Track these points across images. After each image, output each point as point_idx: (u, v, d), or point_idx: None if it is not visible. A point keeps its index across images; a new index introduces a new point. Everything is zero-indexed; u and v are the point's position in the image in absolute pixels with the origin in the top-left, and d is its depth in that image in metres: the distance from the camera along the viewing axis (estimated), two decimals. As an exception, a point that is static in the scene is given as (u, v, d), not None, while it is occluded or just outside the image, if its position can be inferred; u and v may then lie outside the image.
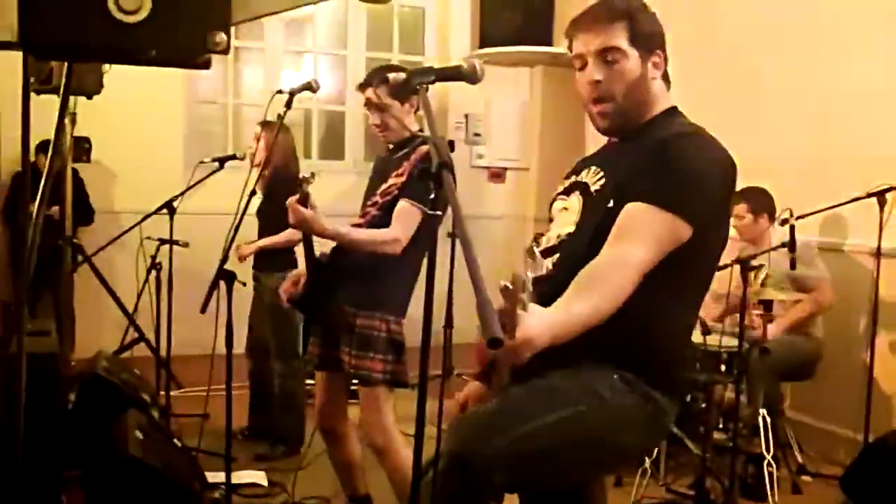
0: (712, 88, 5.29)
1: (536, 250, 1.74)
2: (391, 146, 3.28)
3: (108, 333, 5.78)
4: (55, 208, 5.65)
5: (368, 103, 3.22)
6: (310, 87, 3.37)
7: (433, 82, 2.05)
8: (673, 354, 2.09)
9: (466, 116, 7.78)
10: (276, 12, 1.16)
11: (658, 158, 1.96)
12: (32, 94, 3.21)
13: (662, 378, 2.03)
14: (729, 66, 5.59)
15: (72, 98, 3.85)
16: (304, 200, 3.02)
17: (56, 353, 3.10)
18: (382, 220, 3.15)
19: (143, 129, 6.71)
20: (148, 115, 6.70)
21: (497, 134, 7.89)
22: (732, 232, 4.78)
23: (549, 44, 6.90)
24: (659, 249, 1.89)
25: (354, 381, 3.25)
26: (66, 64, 1.16)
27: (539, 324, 1.60)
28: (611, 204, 1.99)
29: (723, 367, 4.06)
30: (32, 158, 6.16)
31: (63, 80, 1.10)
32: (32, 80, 3.25)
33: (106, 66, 3.67)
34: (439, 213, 1.83)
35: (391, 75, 2.26)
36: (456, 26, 7.70)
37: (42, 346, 3.03)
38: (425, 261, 2.00)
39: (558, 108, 7.53)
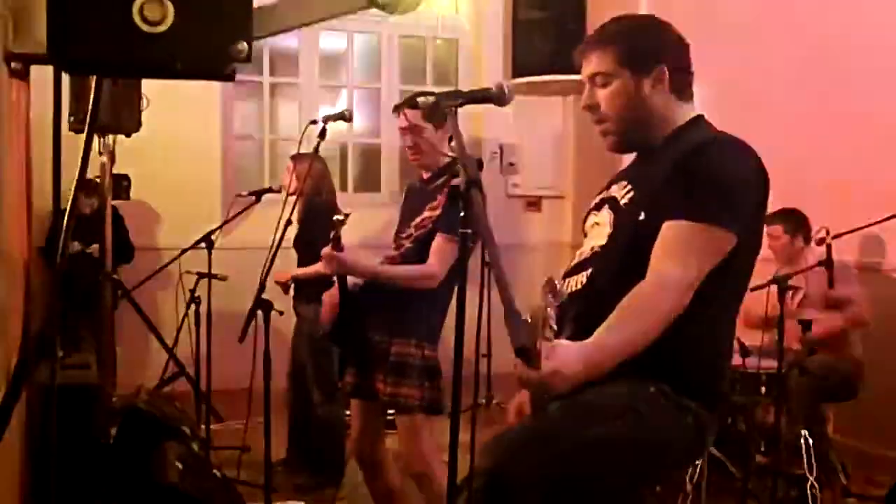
0: (745, 110, 5.26)
1: (557, 284, 1.74)
2: (425, 175, 3.30)
3: (150, 368, 5.84)
4: (95, 246, 5.76)
5: (402, 127, 3.25)
6: (343, 116, 3.40)
7: (462, 105, 2.06)
8: (712, 366, 2.07)
9: (501, 147, 7.80)
10: (296, 27, 1.18)
11: (687, 170, 1.96)
12: (70, 134, 3.27)
13: (702, 391, 2.01)
14: (763, 89, 5.57)
15: (110, 136, 3.91)
16: (338, 242, 3.05)
17: (95, 384, 3.14)
18: (417, 253, 3.16)
19: (182, 166, 6.80)
20: (186, 151, 6.79)
21: (532, 163, 7.90)
22: (768, 253, 4.74)
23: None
24: (705, 265, 1.89)
25: (391, 412, 3.25)
26: (92, 88, 1.18)
27: (566, 357, 1.60)
28: (642, 216, 1.99)
29: (762, 389, 4.01)
30: (72, 196, 6.27)
31: (91, 100, 1.12)
32: (71, 118, 3.31)
33: (144, 104, 3.74)
34: (469, 230, 1.83)
35: (420, 99, 2.28)
36: (489, 57, 7.74)
37: (82, 378, 3.07)
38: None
39: (592, 135, 7.51)
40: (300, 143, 3.84)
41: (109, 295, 4.59)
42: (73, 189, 1.11)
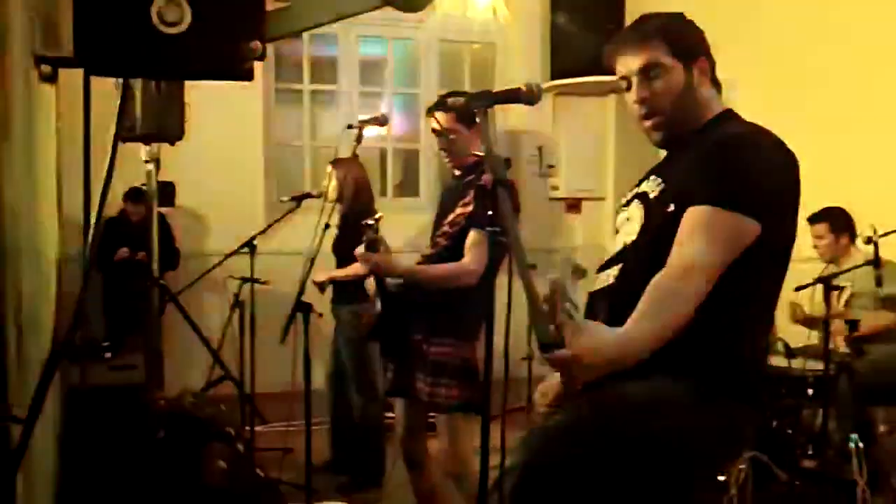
0: (789, 108, 5.21)
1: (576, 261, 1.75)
2: (457, 172, 3.32)
3: (195, 371, 5.92)
4: (142, 253, 5.87)
5: (434, 129, 3.28)
6: (378, 120, 3.44)
7: (492, 105, 2.08)
8: (742, 362, 2.05)
9: (540, 149, 7.80)
10: (310, 28, 1.21)
11: (716, 159, 1.97)
12: (126, 144, 3.35)
13: (733, 387, 2.00)
14: (806, 86, 5.52)
15: (155, 144, 3.99)
16: (373, 244, 3.08)
17: (141, 385, 3.20)
18: (451, 251, 3.18)
19: (225, 173, 6.90)
20: (228, 158, 6.89)
21: (571, 165, 7.88)
22: (813, 253, 4.69)
23: (621, 73, 6.89)
24: (727, 251, 1.88)
25: (431, 414, 3.28)
26: (120, 94, 1.22)
27: (596, 343, 1.60)
28: (671, 208, 1.99)
29: (809, 391, 3.96)
30: (121, 206, 6.40)
31: (118, 103, 1.16)
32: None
33: (188, 113, 3.81)
34: (497, 229, 1.85)
35: (450, 100, 2.30)
36: (527, 60, 7.75)
37: (128, 379, 3.13)
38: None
39: (632, 135, 7.50)
40: (338, 148, 3.89)
41: (156, 300, 4.68)
42: (100, 196, 1.15)
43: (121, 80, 1.35)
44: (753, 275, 1.95)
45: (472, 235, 3.12)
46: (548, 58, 7.52)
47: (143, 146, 3.81)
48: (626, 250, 2.10)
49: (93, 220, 1.14)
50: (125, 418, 2.89)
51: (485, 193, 1.81)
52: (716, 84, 2.17)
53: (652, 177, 2.17)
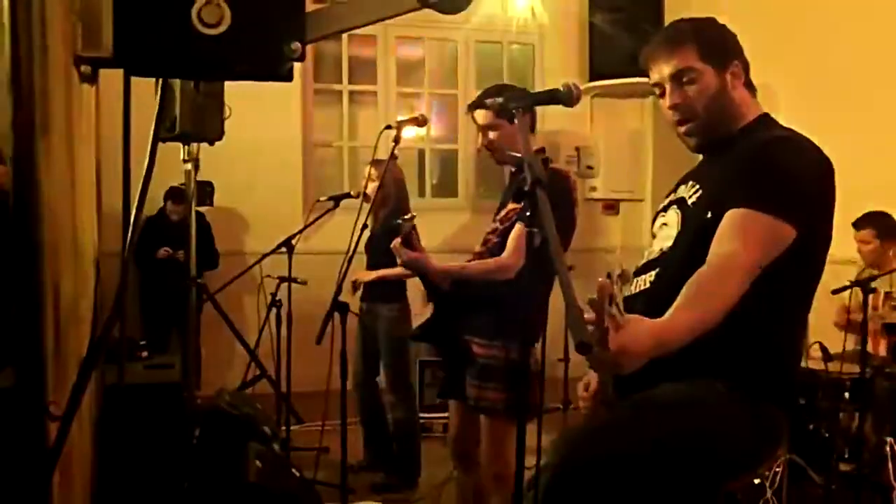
0: (833, 113, 5.16)
1: (627, 270, 1.74)
2: (512, 169, 3.31)
3: (232, 370, 5.98)
4: (181, 252, 5.93)
5: (478, 125, 3.27)
6: (416, 120, 3.45)
7: (529, 106, 2.08)
8: (778, 364, 2.05)
9: (578, 150, 7.76)
10: (348, 30, 1.21)
11: (753, 163, 1.97)
12: (164, 144, 3.38)
13: (769, 389, 1.99)
14: (847, 90, 5.45)
15: (194, 144, 4.02)
16: (408, 240, 3.07)
17: (178, 384, 3.23)
18: (501, 247, 3.18)
19: (263, 173, 6.95)
20: (267, 158, 6.94)
21: (610, 166, 7.84)
22: (856, 256, 4.62)
23: (660, 74, 6.85)
24: (763, 252, 1.88)
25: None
26: (159, 94, 1.23)
27: (636, 333, 1.59)
28: (708, 215, 1.99)
29: (846, 395, 3.91)
30: (160, 205, 6.47)
31: (158, 104, 1.17)
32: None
33: (227, 112, 3.84)
34: (535, 230, 1.84)
35: (489, 101, 2.30)
36: (565, 61, 7.73)
37: (165, 377, 3.16)
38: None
39: (671, 137, 7.44)
40: (376, 148, 3.89)
41: (194, 299, 4.72)
42: (139, 194, 1.16)
43: (160, 81, 1.36)
44: (789, 278, 1.95)
45: (516, 229, 3.11)
46: (586, 59, 7.49)
47: (182, 146, 3.86)
48: (663, 256, 2.09)
49: (131, 218, 1.15)
50: (162, 417, 2.92)
51: (523, 194, 1.79)
52: (750, 87, 2.16)
53: (689, 182, 2.17)
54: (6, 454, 1.06)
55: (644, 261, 2.15)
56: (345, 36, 7.40)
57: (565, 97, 2.12)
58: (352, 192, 5.13)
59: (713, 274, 1.84)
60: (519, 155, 3.20)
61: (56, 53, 1.02)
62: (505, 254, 3.12)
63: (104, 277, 1.13)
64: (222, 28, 1.02)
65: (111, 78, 1.17)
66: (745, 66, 2.14)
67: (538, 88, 7.98)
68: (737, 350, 1.90)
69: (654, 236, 2.21)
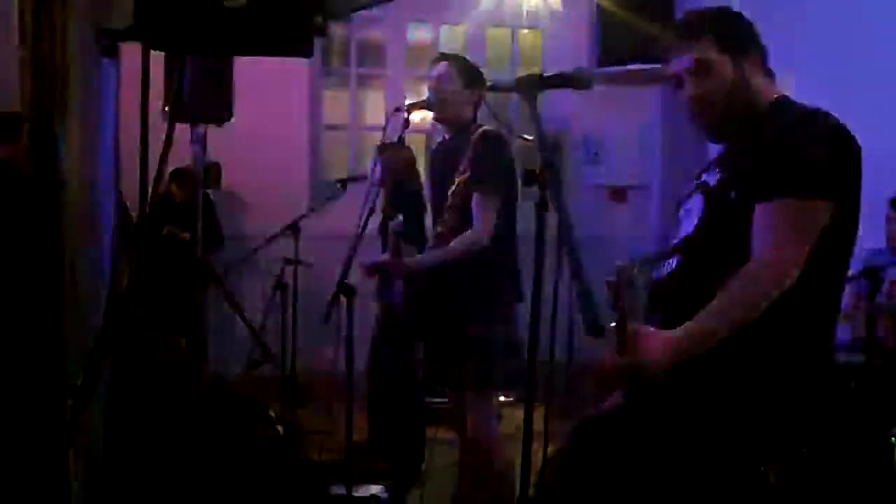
0: (848, 97, 5.13)
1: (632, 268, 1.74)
2: (447, 136, 3.47)
3: (237, 352, 5.98)
4: (186, 233, 5.92)
5: (430, 77, 3.46)
6: (426, 104, 3.43)
7: (541, 89, 2.07)
8: (815, 353, 2.02)
9: (586, 136, 7.75)
10: (371, 6, 1.20)
11: (778, 149, 1.95)
12: (165, 123, 3.37)
13: (805, 378, 1.97)
14: (866, 76, 5.43)
15: (202, 125, 4.01)
16: (398, 249, 3.13)
17: (185, 364, 3.24)
18: (462, 219, 3.24)
19: (270, 155, 6.92)
20: (274, 140, 6.91)
21: (617, 153, 7.82)
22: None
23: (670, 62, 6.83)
24: (804, 242, 1.87)
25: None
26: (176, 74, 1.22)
27: (658, 341, 1.60)
28: (732, 196, 1.99)
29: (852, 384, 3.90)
30: (166, 185, 6.45)
31: (175, 82, 1.16)
32: (165, 108, 3.41)
33: (234, 94, 3.82)
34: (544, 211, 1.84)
35: (498, 83, 2.31)
36: (575, 47, 7.69)
37: (172, 358, 3.17)
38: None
39: (679, 125, 7.42)
40: (384, 131, 3.88)
41: (200, 280, 4.72)
42: (154, 177, 1.16)
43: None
44: (827, 260, 1.94)
45: (476, 198, 3.17)
46: (596, 45, 7.45)
47: (189, 126, 3.84)
48: (686, 240, 2.09)
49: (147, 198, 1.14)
50: (170, 397, 2.93)
51: (533, 178, 1.80)
52: (768, 74, 2.15)
53: (712, 167, 2.16)
54: (25, 430, 1.06)
55: (668, 247, 2.15)
56: (354, 18, 7.37)
57: (579, 82, 2.12)
58: (359, 176, 5.12)
59: (753, 274, 1.85)
60: (466, 117, 3.25)
61: (74, 27, 1.01)
62: (476, 225, 3.16)
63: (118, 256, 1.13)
64: (243, 2, 1.01)
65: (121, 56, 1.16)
66: (763, 53, 2.13)
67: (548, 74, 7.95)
68: (770, 340, 1.89)
69: (678, 222, 2.20)
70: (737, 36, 2.11)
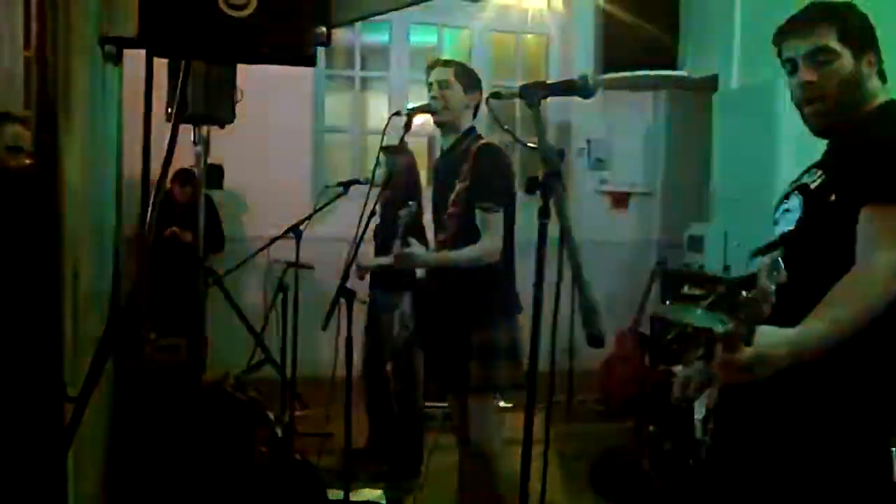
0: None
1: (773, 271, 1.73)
2: (447, 144, 3.42)
3: (237, 354, 5.97)
4: (188, 234, 5.92)
5: (430, 83, 3.41)
6: (427, 108, 3.43)
7: (545, 96, 2.07)
8: None
9: (589, 142, 7.75)
10: (372, 14, 1.21)
11: (882, 152, 1.93)
12: (168, 125, 3.37)
13: None
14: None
15: (205, 126, 4.02)
16: (413, 231, 3.11)
17: (185, 366, 3.23)
18: (465, 229, 3.23)
19: (273, 157, 6.93)
20: (277, 143, 6.92)
21: (620, 159, 7.83)
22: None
23: (674, 67, 6.83)
24: None
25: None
26: (179, 78, 1.22)
27: (771, 340, 1.60)
28: (832, 198, 1.97)
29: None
30: (168, 186, 6.44)
31: (179, 86, 1.16)
32: (169, 109, 3.41)
33: (238, 95, 3.83)
34: (547, 221, 1.84)
35: (503, 91, 2.30)
36: (579, 52, 7.69)
37: (171, 360, 3.17)
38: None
39: (683, 131, 7.44)
40: (384, 134, 3.87)
41: (200, 282, 4.71)
42: (159, 177, 1.16)
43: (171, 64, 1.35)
44: None
45: (479, 215, 3.17)
46: (601, 51, 7.45)
47: (192, 128, 3.84)
48: (784, 240, 2.09)
49: (150, 201, 1.14)
50: (170, 399, 2.92)
51: (536, 185, 1.79)
52: (882, 77, 2.12)
53: (813, 169, 2.15)
54: (24, 434, 1.06)
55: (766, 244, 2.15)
56: (358, 22, 7.37)
57: (581, 88, 2.12)
58: (361, 179, 5.11)
59: (857, 281, 1.83)
60: (466, 124, 3.28)
61: (79, 33, 1.02)
62: (488, 241, 3.17)
63: (123, 259, 1.13)
64: (248, 10, 1.01)
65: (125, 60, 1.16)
66: (879, 57, 2.10)
67: (552, 79, 7.94)
68: (872, 352, 1.88)
69: (775, 223, 2.19)
70: (860, 31, 2.08)
